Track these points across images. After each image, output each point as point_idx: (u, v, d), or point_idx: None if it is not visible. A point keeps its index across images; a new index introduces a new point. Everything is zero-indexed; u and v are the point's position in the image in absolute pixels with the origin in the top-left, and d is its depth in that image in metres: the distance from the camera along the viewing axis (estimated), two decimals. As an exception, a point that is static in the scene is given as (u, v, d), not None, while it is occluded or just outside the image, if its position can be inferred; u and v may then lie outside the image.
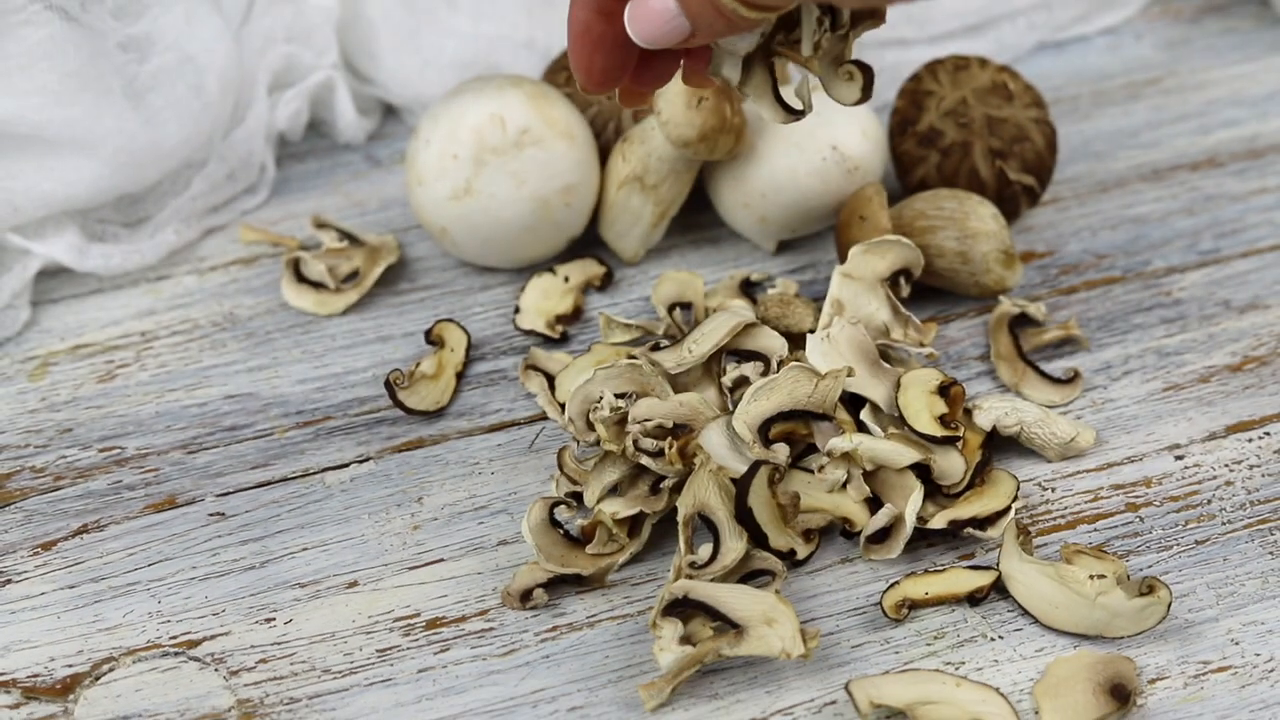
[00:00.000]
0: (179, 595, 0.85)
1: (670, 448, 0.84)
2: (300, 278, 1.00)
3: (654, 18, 0.70)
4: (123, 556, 0.87)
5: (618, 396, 0.86)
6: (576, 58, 0.74)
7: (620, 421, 0.86)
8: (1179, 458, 0.91)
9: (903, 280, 0.93)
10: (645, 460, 0.85)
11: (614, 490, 0.86)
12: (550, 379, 0.94)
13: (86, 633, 0.83)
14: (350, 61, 1.11)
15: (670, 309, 0.96)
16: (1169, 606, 0.81)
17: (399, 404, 0.92)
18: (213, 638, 0.83)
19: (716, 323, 0.89)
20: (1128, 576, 0.83)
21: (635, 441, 0.85)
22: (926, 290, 0.98)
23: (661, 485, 0.85)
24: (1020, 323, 0.97)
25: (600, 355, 0.94)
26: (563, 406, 0.91)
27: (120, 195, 1.01)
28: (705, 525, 0.83)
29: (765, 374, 0.87)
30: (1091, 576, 0.82)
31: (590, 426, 0.86)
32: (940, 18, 1.15)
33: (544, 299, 0.99)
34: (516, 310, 0.98)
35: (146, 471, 0.91)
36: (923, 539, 0.86)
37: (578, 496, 0.87)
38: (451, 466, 0.91)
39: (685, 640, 0.79)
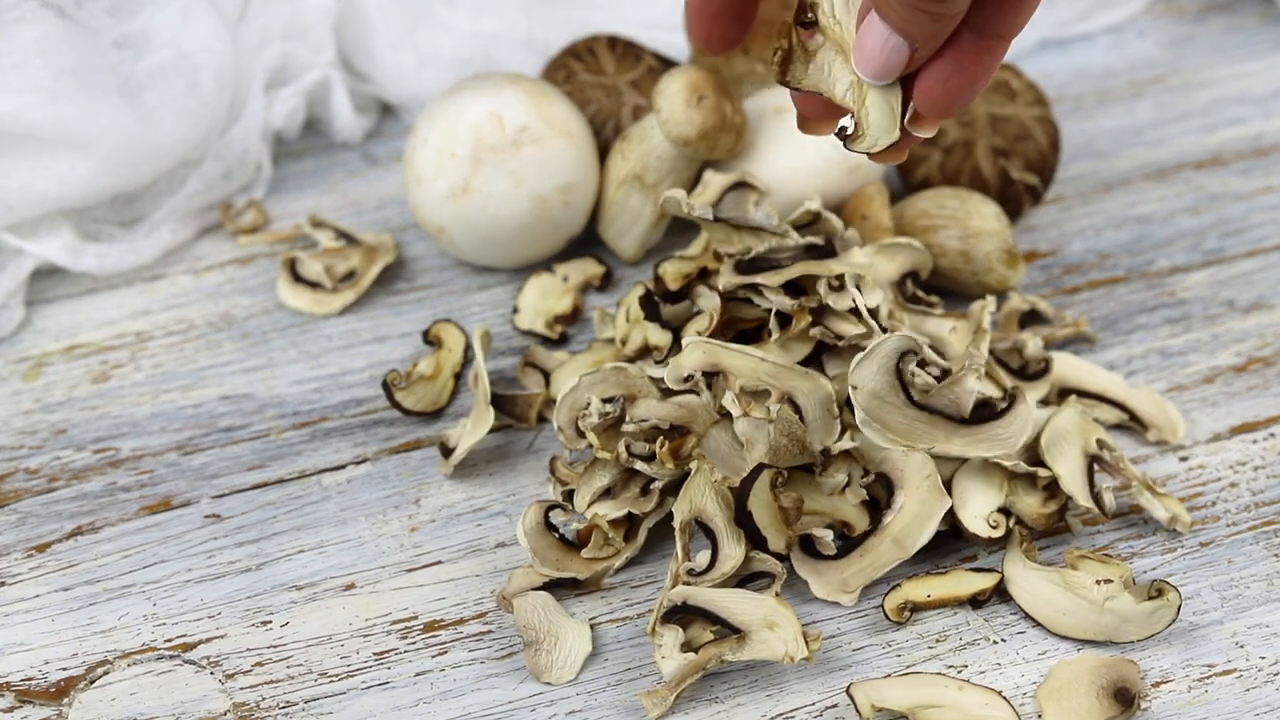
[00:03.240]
0: (174, 598, 0.84)
1: (661, 448, 0.84)
2: (297, 277, 0.99)
3: (874, 51, 0.69)
4: (118, 559, 0.86)
5: (605, 401, 0.85)
6: (695, 28, 0.78)
7: (611, 426, 0.85)
8: (1183, 459, 0.90)
9: (910, 282, 0.93)
10: (639, 465, 0.84)
11: (606, 494, 0.85)
12: (547, 376, 0.93)
13: (81, 635, 0.83)
14: (347, 59, 1.10)
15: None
16: (1178, 610, 0.80)
17: (396, 405, 0.92)
18: (208, 640, 0.83)
19: None
20: (1133, 580, 0.83)
21: (628, 447, 0.84)
22: (928, 289, 0.97)
23: (651, 486, 0.85)
24: (1029, 319, 0.96)
25: (599, 355, 0.93)
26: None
27: (115, 194, 1.01)
28: (703, 532, 0.82)
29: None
30: (1098, 581, 0.81)
31: (580, 434, 0.86)
32: (942, 15, 1.15)
33: (543, 299, 0.98)
34: (515, 310, 0.98)
35: (142, 473, 0.90)
36: (925, 541, 0.86)
37: (573, 497, 0.86)
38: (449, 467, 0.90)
39: (686, 646, 0.79)
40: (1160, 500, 0.86)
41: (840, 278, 0.86)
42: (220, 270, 1.02)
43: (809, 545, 0.83)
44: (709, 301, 0.88)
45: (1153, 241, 1.03)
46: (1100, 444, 0.86)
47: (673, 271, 0.90)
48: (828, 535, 0.82)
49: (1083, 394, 0.91)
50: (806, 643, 0.78)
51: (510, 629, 0.83)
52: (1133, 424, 0.91)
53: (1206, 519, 0.87)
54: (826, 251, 0.88)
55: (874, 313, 0.87)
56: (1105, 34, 1.18)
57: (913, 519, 0.83)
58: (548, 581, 0.84)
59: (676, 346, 0.87)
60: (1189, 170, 1.08)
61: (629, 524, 0.85)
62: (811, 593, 0.83)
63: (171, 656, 0.82)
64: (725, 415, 0.85)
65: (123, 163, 0.98)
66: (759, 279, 0.86)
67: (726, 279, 0.87)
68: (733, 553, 0.82)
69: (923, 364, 0.83)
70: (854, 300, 0.85)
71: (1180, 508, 0.86)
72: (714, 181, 0.95)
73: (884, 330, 0.86)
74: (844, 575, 0.82)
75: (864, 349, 0.83)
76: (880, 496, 0.84)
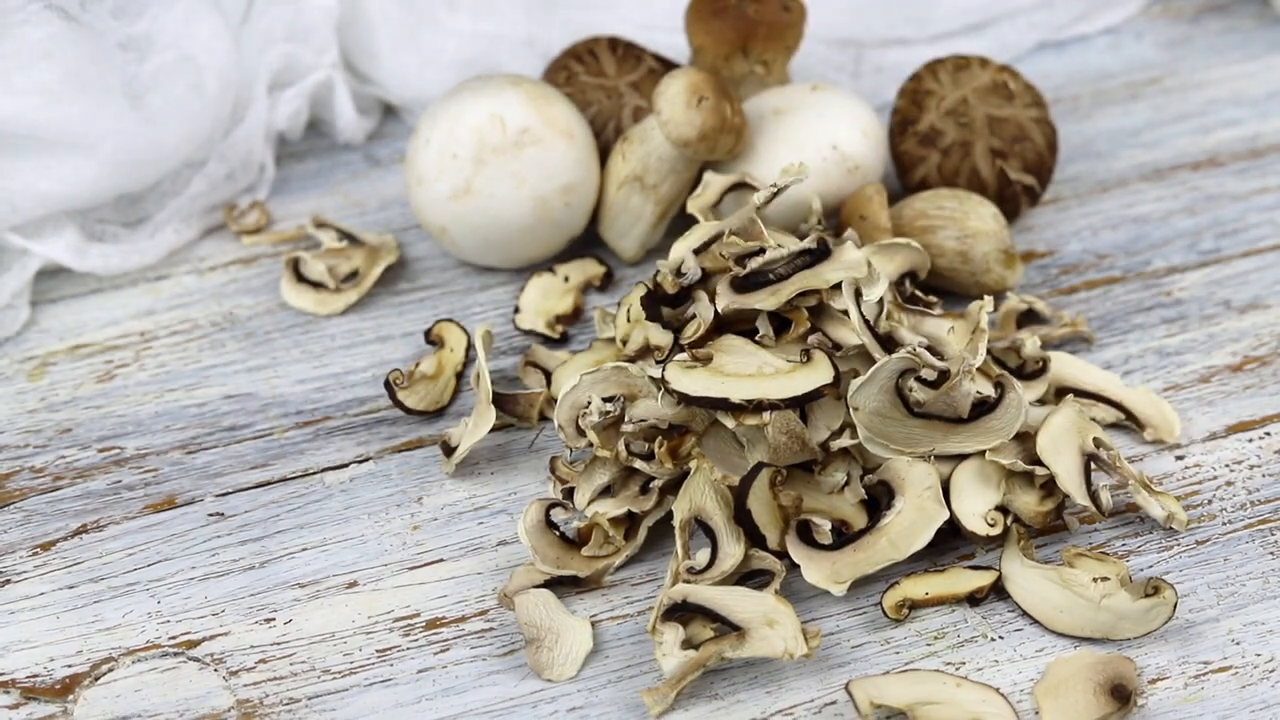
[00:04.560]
0: (178, 595, 0.85)
1: (660, 448, 0.84)
2: (300, 278, 1.00)
3: None
4: (122, 556, 0.87)
5: (606, 400, 0.86)
6: None
7: (611, 425, 0.86)
8: (1179, 458, 0.91)
9: (908, 282, 0.93)
10: (638, 464, 0.84)
11: (606, 492, 0.86)
12: (548, 375, 0.94)
13: (86, 633, 0.83)
14: (350, 61, 1.11)
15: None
16: (1174, 607, 0.81)
17: (398, 404, 0.92)
18: (212, 638, 0.83)
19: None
20: (1130, 578, 0.83)
21: (628, 445, 0.84)
22: (926, 289, 0.98)
23: (651, 485, 0.85)
24: (1027, 319, 0.97)
25: (600, 355, 0.93)
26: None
27: (119, 195, 1.01)
28: (702, 530, 0.83)
29: None
30: (1095, 579, 0.82)
31: (580, 432, 0.86)
32: (941, 17, 1.15)
33: (544, 299, 0.98)
34: (516, 310, 0.98)
35: (146, 472, 0.91)
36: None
37: (574, 496, 0.86)
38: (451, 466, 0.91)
39: (686, 643, 0.79)
40: (1157, 498, 0.86)
41: (838, 286, 0.86)
42: (224, 270, 1.02)
43: (805, 532, 0.83)
44: (704, 311, 0.88)
45: (1149, 242, 1.03)
46: (1097, 443, 0.87)
47: (671, 280, 0.90)
48: (825, 524, 0.83)
49: (1080, 393, 0.92)
50: (806, 640, 0.79)
51: (512, 626, 0.83)
52: (1129, 423, 0.91)
53: (1203, 517, 0.88)
54: (821, 254, 0.88)
55: (873, 317, 0.87)
56: (1102, 35, 1.19)
57: (910, 525, 0.83)
58: (549, 579, 0.84)
59: (677, 347, 0.87)
60: (1185, 171, 1.08)
61: (629, 522, 0.86)
62: (806, 586, 0.83)
63: (175, 654, 0.83)
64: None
65: (127, 164, 0.99)
66: (755, 303, 0.86)
67: (725, 300, 0.87)
68: (732, 551, 0.82)
69: (921, 380, 0.83)
70: (852, 315, 0.85)
71: (1177, 506, 0.86)
72: (714, 183, 0.96)
73: (879, 337, 0.86)
74: (836, 566, 0.82)
75: (861, 370, 0.84)
76: (880, 497, 0.85)
